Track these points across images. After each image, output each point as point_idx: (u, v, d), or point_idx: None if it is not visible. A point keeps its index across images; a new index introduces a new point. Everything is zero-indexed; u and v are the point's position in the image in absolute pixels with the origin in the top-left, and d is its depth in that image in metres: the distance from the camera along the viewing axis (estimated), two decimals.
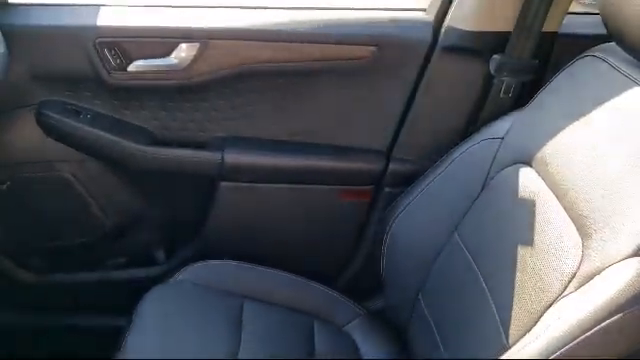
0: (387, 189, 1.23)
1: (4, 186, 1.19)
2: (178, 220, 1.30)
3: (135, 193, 1.27)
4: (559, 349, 0.68)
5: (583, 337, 0.67)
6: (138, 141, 1.18)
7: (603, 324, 0.66)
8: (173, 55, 1.12)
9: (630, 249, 0.69)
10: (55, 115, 1.15)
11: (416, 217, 1.10)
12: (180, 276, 1.14)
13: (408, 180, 1.14)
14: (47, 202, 1.23)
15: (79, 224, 1.26)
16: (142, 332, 1.01)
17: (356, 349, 1.13)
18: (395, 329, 1.16)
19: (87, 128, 1.15)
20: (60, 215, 1.25)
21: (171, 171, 1.20)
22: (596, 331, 0.66)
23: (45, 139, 1.17)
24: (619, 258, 0.69)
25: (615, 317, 0.66)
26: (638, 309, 0.65)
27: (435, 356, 0.99)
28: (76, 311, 1.32)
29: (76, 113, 1.16)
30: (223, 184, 1.21)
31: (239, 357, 1.01)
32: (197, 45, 1.11)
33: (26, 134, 1.16)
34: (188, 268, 1.15)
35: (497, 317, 0.86)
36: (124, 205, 1.27)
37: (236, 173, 1.20)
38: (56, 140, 1.17)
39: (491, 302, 0.88)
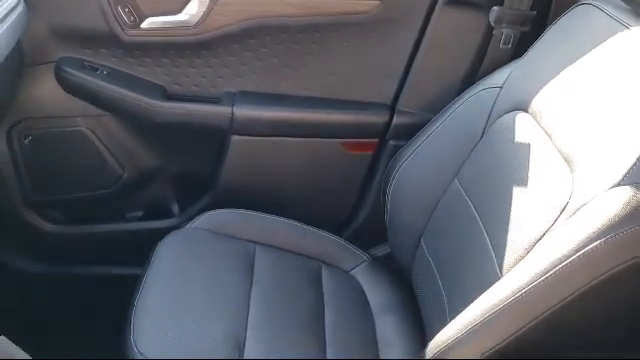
0: (392, 141, 1.28)
1: (26, 140, 1.26)
2: (192, 173, 1.36)
3: (150, 148, 1.33)
4: (546, 274, 0.73)
5: (569, 261, 0.72)
6: (151, 96, 1.23)
7: (587, 248, 0.71)
8: (184, 11, 1.17)
9: (614, 180, 0.73)
10: (73, 71, 1.20)
11: (419, 165, 1.15)
12: (194, 223, 1.20)
13: (412, 132, 1.19)
14: (67, 156, 1.29)
15: (97, 177, 1.33)
16: (159, 274, 1.08)
17: (362, 291, 1.19)
18: (398, 273, 1.22)
19: (103, 84, 1.21)
20: (79, 168, 1.31)
21: (183, 125, 1.25)
22: (581, 254, 0.71)
23: (64, 95, 1.22)
24: (604, 189, 0.74)
25: (599, 241, 0.70)
26: (621, 233, 0.70)
27: (433, 293, 1.04)
28: (95, 261, 1.39)
29: (93, 70, 1.22)
30: (234, 137, 1.26)
31: (251, 298, 1.07)
32: (207, 1, 1.15)
33: (46, 90, 1.22)
34: (202, 216, 1.21)
35: (492, 252, 0.91)
36: (140, 159, 1.33)
37: (246, 126, 1.26)
38: (74, 96, 1.23)
39: (487, 238, 0.93)
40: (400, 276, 1.21)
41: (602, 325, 0.78)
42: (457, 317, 0.83)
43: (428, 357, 0.85)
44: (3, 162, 1.26)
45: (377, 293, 1.19)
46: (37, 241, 1.35)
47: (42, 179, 1.31)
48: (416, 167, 1.15)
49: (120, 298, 1.06)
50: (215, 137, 1.28)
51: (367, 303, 1.17)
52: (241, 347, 0.97)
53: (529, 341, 0.76)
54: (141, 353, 0.92)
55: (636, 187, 0.71)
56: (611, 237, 0.70)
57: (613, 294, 0.74)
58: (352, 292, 1.18)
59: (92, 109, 1.25)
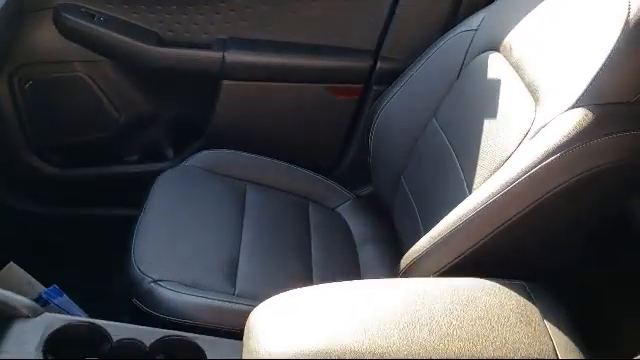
0: (376, 87, 1.35)
1: (27, 85, 1.32)
2: (186, 118, 1.43)
3: (145, 93, 1.39)
4: (503, 189, 0.81)
5: (525, 176, 0.79)
6: (146, 42, 1.29)
7: (542, 164, 0.78)
8: None
9: (569, 103, 0.81)
10: (71, 17, 1.26)
11: (400, 107, 1.22)
12: (188, 162, 1.27)
13: (395, 78, 1.26)
14: (66, 100, 1.36)
15: (95, 121, 1.39)
16: (156, 206, 1.16)
17: (346, 225, 1.27)
18: (381, 211, 1.30)
19: (101, 29, 1.27)
20: (78, 113, 1.37)
21: (176, 70, 1.32)
22: (537, 169, 0.79)
23: (62, 41, 1.28)
24: (561, 112, 0.81)
25: (553, 157, 0.78)
26: (573, 150, 0.77)
27: (412, 226, 1.12)
28: (94, 202, 1.46)
29: (90, 16, 1.27)
30: (225, 82, 1.33)
31: (243, 227, 1.15)
32: None
33: (46, 36, 1.28)
34: (195, 156, 1.28)
35: (463, 180, 0.99)
36: (136, 104, 1.39)
37: (236, 71, 1.32)
38: (72, 41, 1.28)
39: (459, 169, 1.01)
40: (382, 213, 1.29)
41: (554, 238, 0.86)
42: (424, 236, 0.91)
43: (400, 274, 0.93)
44: (5, 107, 1.33)
45: (360, 227, 1.27)
46: (39, 183, 1.42)
47: (43, 123, 1.37)
48: (397, 109, 1.22)
49: (119, 237, 1.13)
50: (207, 82, 1.34)
51: (350, 235, 1.25)
52: (234, 268, 1.06)
53: (485, 254, 0.84)
54: (142, 272, 1.00)
55: (588, 108, 0.79)
56: (563, 154, 0.78)
57: (565, 207, 0.82)
58: (337, 226, 1.27)
59: (89, 55, 1.31)
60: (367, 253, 1.19)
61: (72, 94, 1.35)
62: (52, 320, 0.85)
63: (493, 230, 0.82)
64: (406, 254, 0.93)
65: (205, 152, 1.29)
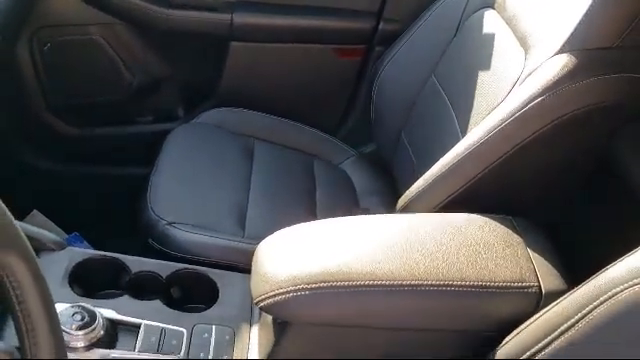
0: (378, 48, 1.40)
1: (45, 47, 1.38)
2: (196, 79, 1.49)
3: (158, 56, 1.45)
4: (492, 130, 0.87)
5: (513, 117, 0.85)
6: (156, 4, 1.34)
7: (529, 105, 0.84)
8: None
9: (555, 49, 0.86)
10: None
11: (400, 66, 1.27)
12: (198, 119, 1.34)
13: (396, 38, 1.31)
14: (82, 62, 1.42)
15: (110, 83, 1.46)
16: (169, 158, 1.22)
17: (349, 179, 1.34)
18: (383, 167, 1.36)
19: None
20: (93, 75, 1.44)
21: (186, 32, 1.37)
22: (525, 110, 0.84)
23: (79, 3, 1.34)
24: (547, 57, 0.87)
25: (539, 99, 0.83)
26: (558, 91, 0.83)
27: (408, 174, 1.17)
28: (109, 161, 1.53)
29: None
30: (233, 44, 1.38)
31: (252, 179, 1.22)
32: None
33: None
34: (205, 113, 1.35)
35: (458, 129, 1.05)
36: (148, 66, 1.45)
37: (244, 33, 1.38)
38: (88, 4, 1.34)
39: (454, 118, 1.07)
40: (384, 169, 1.35)
41: (540, 177, 0.92)
42: (419, 178, 0.97)
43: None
44: (25, 69, 1.39)
45: (362, 181, 1.34)
46: (56, 143, 1.49)
47: (60, 85, 1.44)
48: (397, 68, 1.28)
49: (133, 192, 1.20)
50: (216, 44, 1.40)
51: (353, 188, 1.32)
52: (244, 213, 1.13)
53: (476, 193, 0.90)
54: (157, 215, 1.07)
55: (572, 54, 0.84)
56: (549, 95, 0.83)
57: (551, 148, 0.87)
58: (340, 180, 1.33)
59: (104, 18, 1.37)
60: (368, 202, 1.26)
61: (88, 56, 1.41)
62: (76, 254, 0.93)
63: (483, 169, 0.88)
64: (402, 196, 0.99)
65: (215, 110, 1.36)
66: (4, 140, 1.43)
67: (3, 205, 0.50)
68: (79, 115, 1.49)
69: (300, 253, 0.79)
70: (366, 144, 1.48)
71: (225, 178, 1.21)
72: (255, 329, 0.88)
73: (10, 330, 0.81)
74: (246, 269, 0.90)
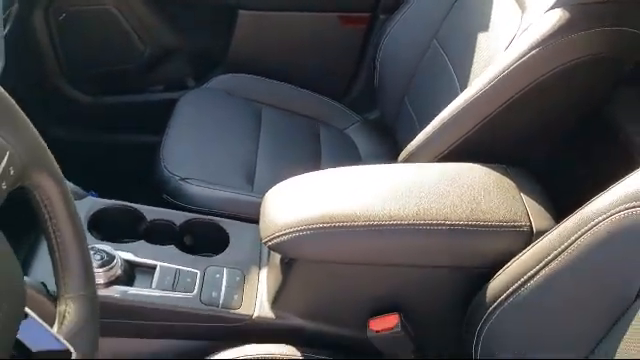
0: (382, 16, 1.44)
1: (61, 17, 1.43)
2: (206, 48, 1.53)
3: (169, 26, 1.50)
4: (489, 82, 0.91)
5: (510, 69, 0.89)
6: None
7: (525, 57, 0.88)
8: None
9: (549, 4, 0.90)
10: None
11: (403, 31, 1.31)
12: (208, 85, 1.39)
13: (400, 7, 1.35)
14: (96, 33, 1.47)
15: (123, 53, 1.51)
16: (181, 119, 1.28)
17: (353, 144, 1.38)
18: (386, 132, 1.40)
19: None
20: (107, 45, 1.49)
21: (196, 1, 1.42)
22: (520, 62, 0.88)
23: None
24: (541, 14, 0.91)
25: (535, 50, 0.87)
26: (553, 43, 0.86)
27: (410, 135, 1.17)
28: (122, 129, 1.58)
29: None
30: (241, 12, 1.43)
31: (259, 140, 1.27)
32: None
33: None
34: (215, 79, 1.39)
35: (458, 85, 1.09)
36: (160, 36, 1.50)
37: (251, 1, 1.42)
38: None
39: (455, 78, 1.11)
40: (387, 134, 1.39)
41: (535, 128, 0.96)
42: (420, 132, 1.02)
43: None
44: (42, 38, 1.44)
45: (366, 145, 1.38)
46: (71, 110, 1.54)
47: (76, 53, 1.49)
48: (400, 34, 1.31)
49: (146, 158, 1.25)
50: (225, 12, 1.44)
51: (358, 152, 1.36)
52: (252, 170, 1.18)
53: (474, 144, 0.94)
54: (170, 172, 1.12)
55: (565, 8, 0.88)
56: (543, 48, 0.87)
57: (544, 100, 0.91)
58: (345, 144, 1.38)
59: None
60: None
61: (102, 26, 1.46)
62: (95, 202, 0.98)
63: (482, 120, 0.93)
64: (403, 150, 1.04)
65: (223, 76, 1.41)
66: (20, 108, 1.48)
67: (34, 130, 0.55)
68: (93, 84, 1.54)
69: (304, 198, 0.84)
70: (371, 110, 1.53)
71: (234, 139, 1.26)
72: (264, 271, 0.93)
73: (38, 266, 0.87)
74: (255, 220, 0.96)
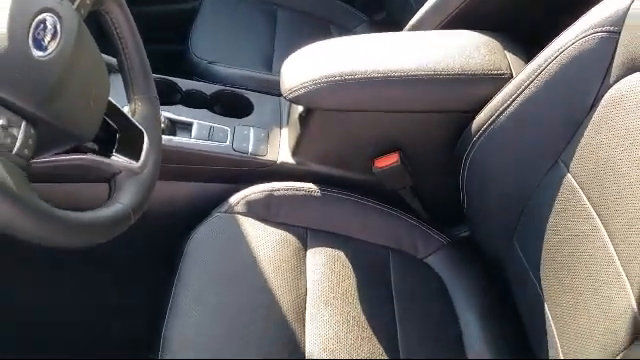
0: None
1: None
2: None
3: None
4: None
5: None
6: None
7: None
8: None
9: None
10: None
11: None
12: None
13: None
14: None
15: None
16: (204, 19, 1.42)
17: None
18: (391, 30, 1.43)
19: None
20: None
21: None
22: None
23: None
24: None
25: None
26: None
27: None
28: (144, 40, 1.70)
29: None
30: None
31: (275, 41, 1.40)
32: None
33: None
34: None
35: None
36: None
37: None
38: None
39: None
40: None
41: None
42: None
43: None
44: None
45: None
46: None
47: None
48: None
49: (170, 64, 1.34)
50: None
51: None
52: (270, 58, 1.34)
53: (474, 10, 1.05)
54: (198, 57, 1.26)
55: None
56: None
57: None
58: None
59: None
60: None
61: None
62: None
63: None
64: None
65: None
66: None
67: None
68: None
69: (320, 58, 0.99)
70: (378, 12, 1.64)
71: (253, 34, 1.41)
72: (285, 129, 1.08)
73: None
74: (274, 94, 1.10)
